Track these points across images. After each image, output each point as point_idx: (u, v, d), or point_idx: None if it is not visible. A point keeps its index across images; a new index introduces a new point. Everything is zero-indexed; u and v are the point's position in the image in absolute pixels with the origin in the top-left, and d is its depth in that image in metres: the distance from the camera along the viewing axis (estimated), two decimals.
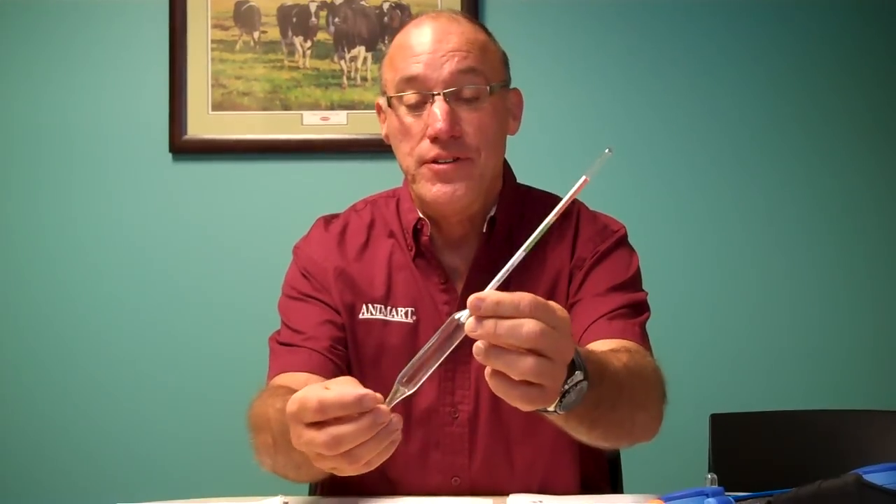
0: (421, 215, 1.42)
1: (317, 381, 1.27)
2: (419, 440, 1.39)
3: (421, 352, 0.91)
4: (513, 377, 0.87)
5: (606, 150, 0.91)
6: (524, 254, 0.90)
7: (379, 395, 0.93)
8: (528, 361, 0.86)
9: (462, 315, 0.88)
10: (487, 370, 0.88)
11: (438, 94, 1.31)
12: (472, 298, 0.86)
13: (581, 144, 2.50)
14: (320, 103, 2.50)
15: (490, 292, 0.87)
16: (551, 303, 0.89)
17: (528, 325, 0.86)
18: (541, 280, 1.40)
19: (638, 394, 1.15)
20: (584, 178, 0.90)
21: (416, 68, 1.33)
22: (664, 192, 2.52)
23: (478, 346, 0.87)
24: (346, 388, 0.94)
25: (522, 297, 0.86)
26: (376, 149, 2.40)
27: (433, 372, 0.92)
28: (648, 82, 2.52)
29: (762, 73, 2.52)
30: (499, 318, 0.85)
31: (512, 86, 1.43)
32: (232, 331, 2.48)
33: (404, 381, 0.92)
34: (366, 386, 0.98)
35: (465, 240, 1.42)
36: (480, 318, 0.86)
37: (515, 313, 0.86)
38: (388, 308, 1.41)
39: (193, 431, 2.49)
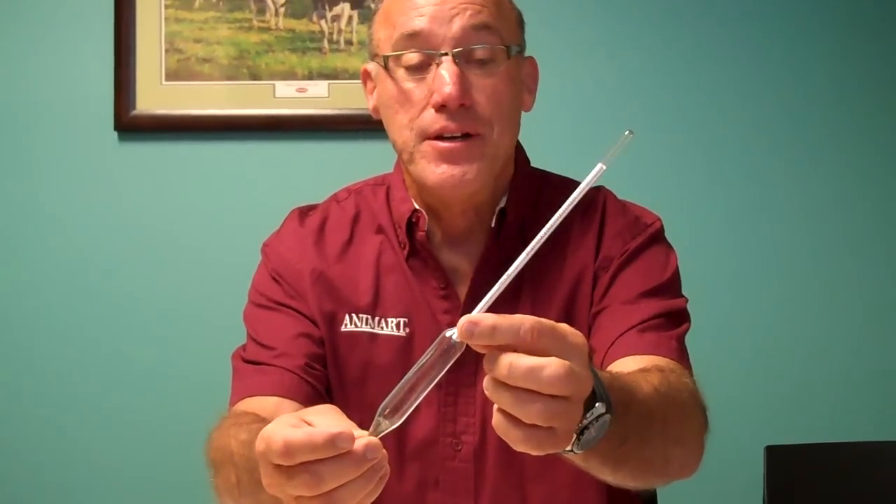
0: (416, 206, 1.41)
1: (289, 407, 1.29)
2: (414, 478, 1.39)
3: (407, 376, 0.90)
4: (521, 419, 0.87)
5: (626, 133, 0.91)
6: (526, 258, 0.90)
7: (356, 432, 0.91)
8: (537, 406, 0.86)
9: (455, 332, 0.88)
10: (495, 406, 0.88)
11: (446, 53, 1.31)
12: (463, 322, 0.85)
13: (608, 121, 2.50)
14: (296, 72, 2.49)
15: (485, 316, 0.86)
16: (560, 326, 0.87)
17: (551, 369, 0.84)
18: (559, 284, 1.40)
19: (673, 424, 1.14)
20: (599, 165, 0.90)
21: (420, 22, 1.32)
22: (708, 178, 2.52)
23: (487, 380, 0.87)
24: (325, 419, 0.93)
25: (523, 322, 0.85)
26: (363, 126, 2.39)
27: (429, 396, 0.91)
28: (689, 46, 2.52)
29: (831, 28, 2.50)
30: (515, 355, 0.85)
31: (526, 54, 1.43)
32: (188, 344, 2.48)
33: (387, 412, 0.91)
34: (349, 413, 0.97)
35: (470, 235, 1.42)
36: (495, 353, 0.86)
37: (515, 341, 0.85)
38: (377, 318, 1.40)
39: (136, 463, 2.47)
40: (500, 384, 0.86)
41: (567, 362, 0.85)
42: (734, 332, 2.48)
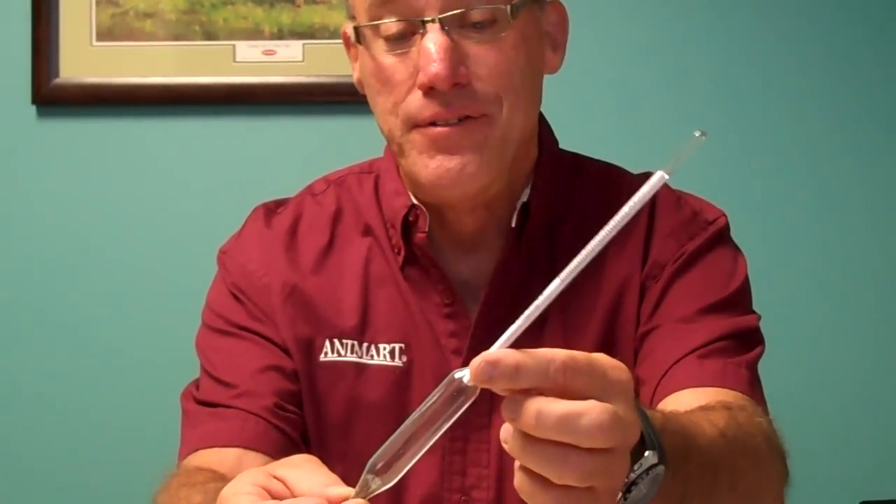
0: (415, 200, 1.41)
1: (254, 460, 1.29)
2: None
3: (405, 424, 0.90)
4: (551, 479, 0.86)
5: (697, 134, 0.90)
6: (563, 285, 0.89)
7: (339, 490, 0.92)
8: (573, 463, 0.85)
9: (466, 373, 0.88)
10: (517, 462, 0.87)
11: (432, 20, 1.30)
12: (479, 362, 0.85)
13: (660, 86, 2.50)
14: (262, 29, 2.50)
15: (505, 353, 0.85)
16: (598, 359, 0.87)
17: (591, 416, 0.84)
18: (597, 300, 1.40)
19: (744, 475, 1.13)
20: (660, 173, 0.89)
21: None
22: (792, 163, 2.53)
23: (506, 431, 0.86)
24: (300, 474, 0.93)
25: (553, 358, 0.85)
26: (346, 98, 2.37)
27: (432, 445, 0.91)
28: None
29: None
30: (544, 399, 0.84)
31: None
32: (126, 374, 2.49)
33: (378, 467, 0.90)
34: (329, 465, 0.97)
35: (483, 237, 1.42)
36: (517, 398, 0.85)
37: (543, 382, 0.84)
38: (365, 344, 1.41)
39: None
40: (525, 437, 0.85)
41: (609, 406, 0.84)
42: (820, 358, 2.50)
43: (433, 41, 1.29)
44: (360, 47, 1.37)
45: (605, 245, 0.89)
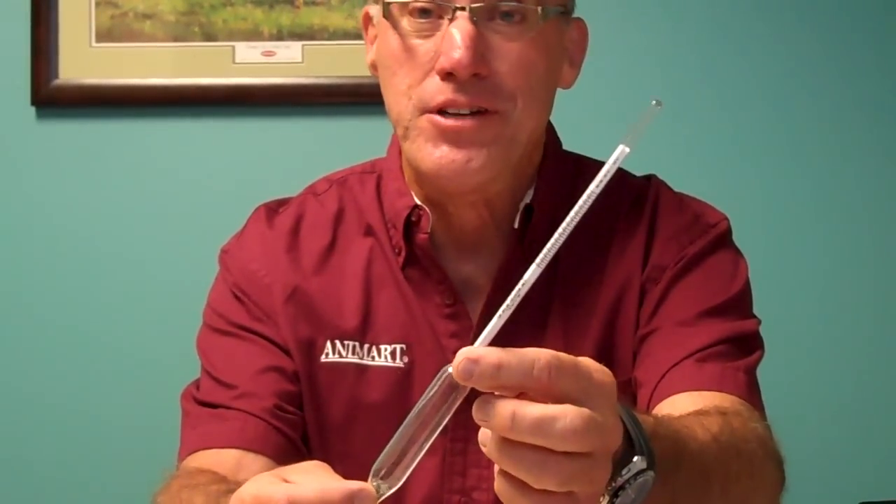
0: (418, 201, 1.41)
1: (253, 462, 1.30)
2: None
3: (404, 424, 0.90)
4: (530, 484, 0.86)
5: (653, 103, 0.91)
6: (539, 270, 0.89)
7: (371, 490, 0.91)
8: (550, 468, 0.85)
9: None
10: (496, 466, 0.87)
11: (463, 8, 1.30)
12: (460, 359, 0.84)
13: (659, 87, 2.50)
14: (262, 31, 2.50)
15: (487, 351, 0.85)
16: (584, 362, 0.87)
17: (566, 420, 0.83)
18: (598, 302, 1.40)
19: (737, 481, 1.14)
20: (621, 147, 0.89)
21: None
22: (793, 166, 2.53)
23: (484, 434, 0.86)
24: (323, 481, 0.92)
25: (537, 358, 0.84)
26: (346, 99, 2.40)
27: (432, 443, 0.91)
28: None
29: None
30: (518, 402, 0.84)
31: (575, 14, 1.42)
32: (126, 374, 2.49)
33: (383, 473, 0.90)
34: (332, 466, 0.96)
35: (484, 238, 1.42)
36: (490, 399, 0.84)
37: (526, 382, 0.84)
38: (366, 346, 1.41)
39: None
40: (503, 440, 0.85)
41: (585, 410, 0.84)
42: (819, 362, 2.50)
43: (460, 29, 1.30)
44: (382, 26, 1.37)
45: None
